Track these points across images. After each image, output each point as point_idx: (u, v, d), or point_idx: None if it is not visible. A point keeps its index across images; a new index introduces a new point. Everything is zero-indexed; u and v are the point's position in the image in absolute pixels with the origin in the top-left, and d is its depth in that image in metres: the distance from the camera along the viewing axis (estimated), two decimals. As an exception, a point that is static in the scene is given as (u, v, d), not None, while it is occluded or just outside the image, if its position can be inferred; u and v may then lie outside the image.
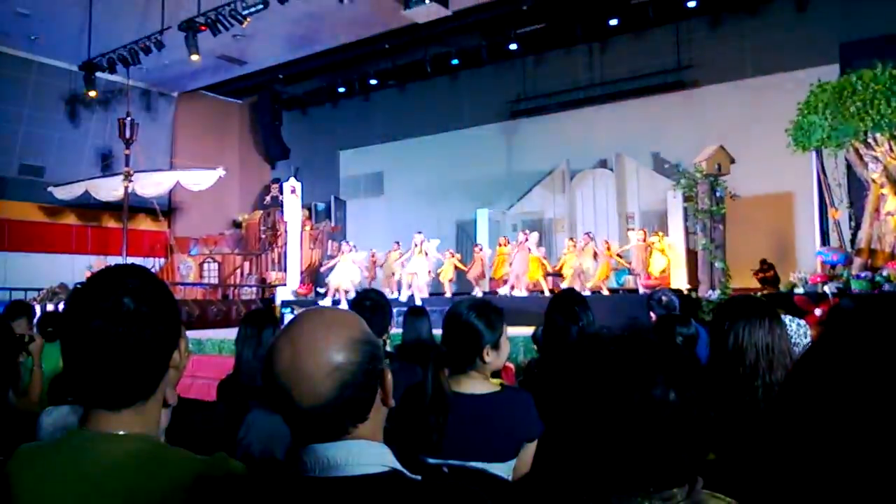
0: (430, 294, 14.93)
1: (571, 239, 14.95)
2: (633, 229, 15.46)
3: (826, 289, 10.43)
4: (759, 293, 11.16)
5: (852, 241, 11.72)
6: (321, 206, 21.01)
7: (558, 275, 14.70)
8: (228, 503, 1.22)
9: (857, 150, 11.33)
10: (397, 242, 15.99)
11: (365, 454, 1.18)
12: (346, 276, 15.46)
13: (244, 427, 2.56)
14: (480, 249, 15.67)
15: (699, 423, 1.09)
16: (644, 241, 13.92)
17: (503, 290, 14.38)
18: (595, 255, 13.90)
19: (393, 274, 15.88)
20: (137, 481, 1.20)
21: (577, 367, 1.14)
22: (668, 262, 13.62)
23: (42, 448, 1.32)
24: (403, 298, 14.26)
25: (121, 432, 1.24)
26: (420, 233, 15.14)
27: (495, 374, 2.63)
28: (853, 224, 11.89)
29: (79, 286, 1.30)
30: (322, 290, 15.88)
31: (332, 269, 16.00)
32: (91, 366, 1.23)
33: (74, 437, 1.27)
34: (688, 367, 1.13)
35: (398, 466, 1.21)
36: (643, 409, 1.06)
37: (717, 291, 11.51)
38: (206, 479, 1.24)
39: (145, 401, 1.27)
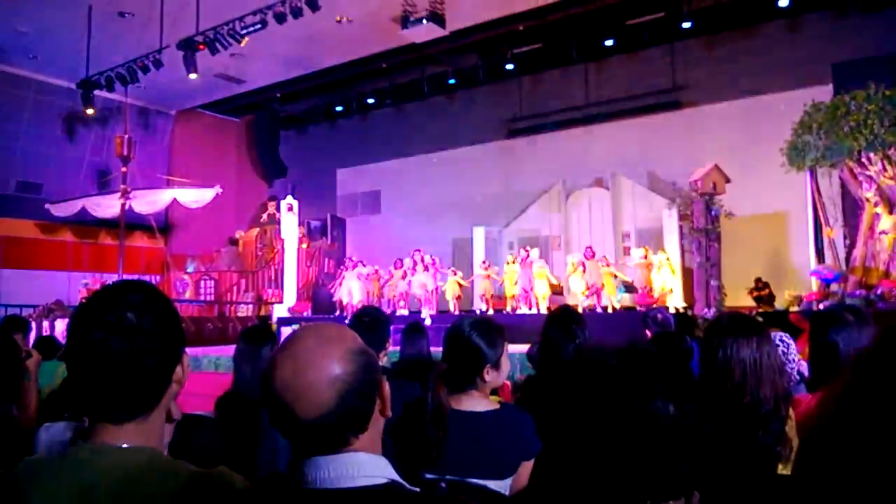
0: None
1: (573, 263, 14.84)
2: (629, 247, 15.50)
3: (821, 307, 10.46)
4: (754, 311, 11.18)
5: (847, 260, 11.78)
6: (315, 223, 21.00)
7: (560, 293, 14.71)
8: None
9: (851, 170, 11.41)
10: (400, 260, 15.99)
11: (365, 466, 1.19)
12: (351, 292, 15.61)
13: (264, 446, 2.51)
14: (488, 266, 15.68)
15: (696, 436, 1.11)
16: (646, 258, 13.91)
17: (522, 310, 14.44)
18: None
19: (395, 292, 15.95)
20: (140, 494, 1.21)
21: (579, 380, 1.16)
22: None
23: (47, 461, 1.32)
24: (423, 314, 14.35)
25: (124, 445, 1.25)
26: (419, 250, 15.21)
27: (493, 392, 2.64)
28: (847, 242, 11.96)
29: (84, 301, 1.32)
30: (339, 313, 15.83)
31: (339, 286, 16.14)
32: (94, 379, 1.24)
33: (79, 450, 1.28)
34: (685, 381, 1.15)
35: (397, 478, 1.22)
36: (643, 420, 1.07)
37: (713, 309, 11.54)
38: (208, 492, 1.24)
39: (148, 414, 1.28)
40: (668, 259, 13.72)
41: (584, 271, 13.97)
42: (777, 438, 2.09)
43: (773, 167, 12.24)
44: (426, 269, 15.00)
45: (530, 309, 14.29)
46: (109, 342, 1.22)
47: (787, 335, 3.35)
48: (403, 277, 15.68)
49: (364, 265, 16.22)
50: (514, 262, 15.08)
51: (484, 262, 15.95)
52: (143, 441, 1.27)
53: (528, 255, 14.57)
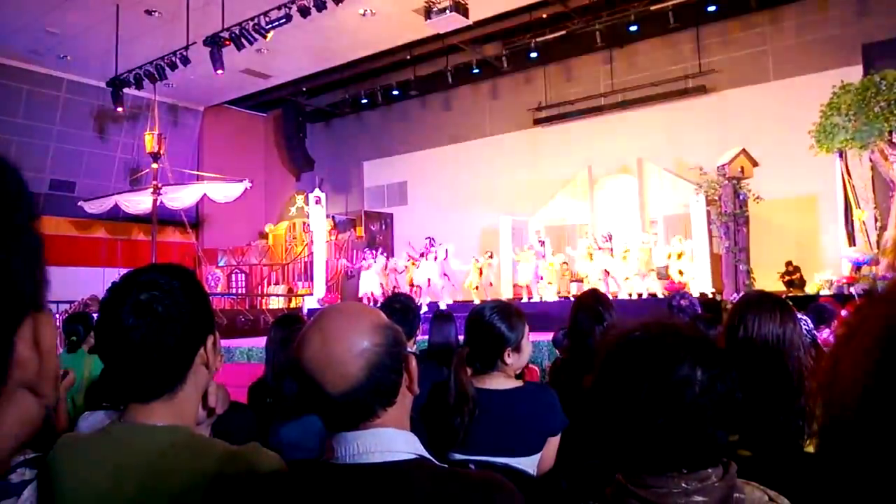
0: (456, 301, 14.97)
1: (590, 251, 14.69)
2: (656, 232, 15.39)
3: (853, 290, 10.36)
4: (785, 295, 11.08)
5: (878, 242, 11.62)
6: (340, 217, 21.09)
7: (580, 280, 14.69)
8: (260, 491, 1.26)
9: (881, 151, 11.24)
10: (429, 240, 15.97)
11: (393, 441, 1.22)
12: (372, 284, 15.72)
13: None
14: (490, 256, 15.72)
15: (726, 402, 1.13)
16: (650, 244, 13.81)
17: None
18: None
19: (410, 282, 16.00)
20: (172, 471, 1.25)
21: (608, 353, 1.19)
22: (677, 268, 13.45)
23: (82, 438, 1.38)
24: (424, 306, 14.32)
25: (157, 423, 1.29)
26: (430, 238, 15.34)
27: (518, 376, 2.68)
28: (878, 224, 11.79)
29: (113, 283, 1.38)
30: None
31: (359, 284, 16.27)
32: (114, 359, 1.30)
33: (112, 428, 1.33)
34: (711, 347, 1.17)
35: (425, 454, 1.25)
36: (673, 387, 1.10)
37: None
38: (239, 468, 1.27)
39: (173, 393, 1.31)
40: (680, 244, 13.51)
41: (592, 258, 13.96)
42: (799, 414, 2.08)
43: (801, 150, 12.09)
44: (434, 258, 15.05)
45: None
46: (123, 323, 1.27)
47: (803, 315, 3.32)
48: (407, 269, 15.81)
49: (375, 258, 16.32)
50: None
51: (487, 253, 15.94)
52: (176, 420, 1.31)
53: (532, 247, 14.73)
